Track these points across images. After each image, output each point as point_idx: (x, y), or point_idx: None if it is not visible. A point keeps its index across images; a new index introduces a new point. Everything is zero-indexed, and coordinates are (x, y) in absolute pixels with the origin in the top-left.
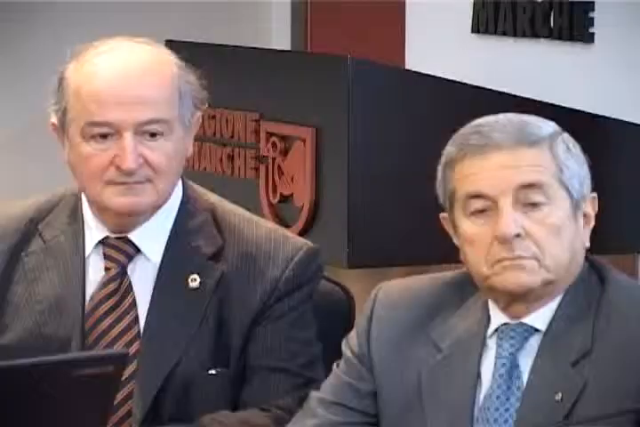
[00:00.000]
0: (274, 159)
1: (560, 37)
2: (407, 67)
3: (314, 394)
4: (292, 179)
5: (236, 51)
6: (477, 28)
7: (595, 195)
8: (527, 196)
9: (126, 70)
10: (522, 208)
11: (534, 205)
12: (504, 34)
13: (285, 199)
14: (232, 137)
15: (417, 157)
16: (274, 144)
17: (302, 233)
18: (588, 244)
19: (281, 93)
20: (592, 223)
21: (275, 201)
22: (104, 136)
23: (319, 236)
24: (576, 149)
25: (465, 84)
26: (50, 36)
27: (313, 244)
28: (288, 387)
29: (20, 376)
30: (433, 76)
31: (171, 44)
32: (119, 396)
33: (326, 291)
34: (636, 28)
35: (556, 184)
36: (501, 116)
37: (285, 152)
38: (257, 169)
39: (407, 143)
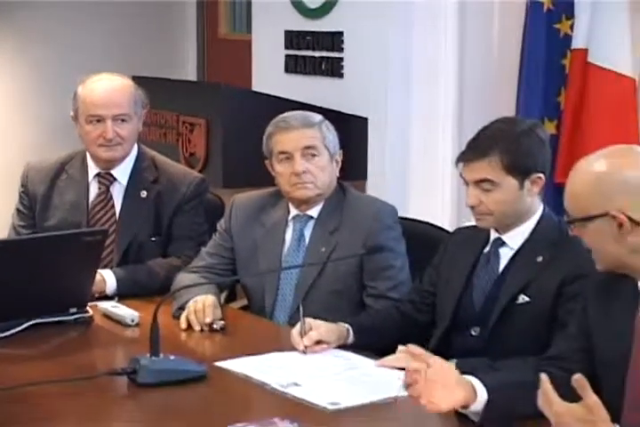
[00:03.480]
0: (185, 135)
1: (327, 75)
2: (253, 89)
3: (203, 249)
4: (195, 145)
5: (166, 81)
6: (288, 69)
7: (341, 151)
8: (308, 152)
9: (108, 89)
10: (306, 158)
11: (312, 156)
12: (301, 73)
13: (192, 155)
14: (165, 123)
15: (255, 131)
16: (186, 127)
17: (200, 171)
18: (337, 174)
19: (190, 103)
20: (339, 165)
21: (187, 155)
22: (97, 121)
23: (209, 172)
24: (332, 128)
25: (281, 97)
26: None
27: (204, 176)
28: (191, 245)
29: (48, 243)
30: (266, 94)
31: (134, 78)
32: (105, 253)
33: (210, 199)
34: (363, 70)
35: (322, 146)
36: (296, 112)
37: (192, 131)
38: (177, 140)
39: (253, 124)
